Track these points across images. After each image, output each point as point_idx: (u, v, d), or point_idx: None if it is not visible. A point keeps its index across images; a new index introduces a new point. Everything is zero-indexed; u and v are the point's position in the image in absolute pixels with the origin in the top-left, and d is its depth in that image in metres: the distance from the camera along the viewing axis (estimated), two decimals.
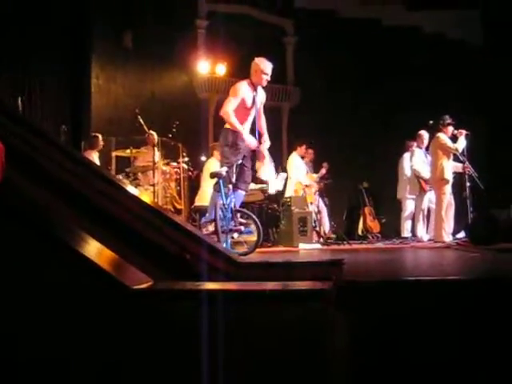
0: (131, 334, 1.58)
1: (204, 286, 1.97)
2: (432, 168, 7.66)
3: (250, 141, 5.49)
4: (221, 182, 5.33)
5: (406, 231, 9.32)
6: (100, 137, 8.31)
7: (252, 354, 1.62)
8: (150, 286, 1.69)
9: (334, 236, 9.77)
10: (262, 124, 5.77)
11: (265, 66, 5.55)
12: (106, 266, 1.61)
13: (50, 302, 1.63)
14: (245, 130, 5.54)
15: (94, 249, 1.77)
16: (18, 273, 1.65)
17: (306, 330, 1.64)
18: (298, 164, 9.43)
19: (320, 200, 9.65)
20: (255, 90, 5.58)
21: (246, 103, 5.52)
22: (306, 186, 9.24)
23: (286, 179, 8.61)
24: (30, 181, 2.32)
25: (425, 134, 8.46)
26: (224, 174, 5.32)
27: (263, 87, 5.72)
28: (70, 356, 1.58)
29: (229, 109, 5.45)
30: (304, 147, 9.60)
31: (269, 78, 5.62)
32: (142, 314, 1.58)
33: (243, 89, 5.52)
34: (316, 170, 9.91)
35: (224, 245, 5.04)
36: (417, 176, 8.66)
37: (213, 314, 1.59)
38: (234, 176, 5.47)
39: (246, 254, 5.20)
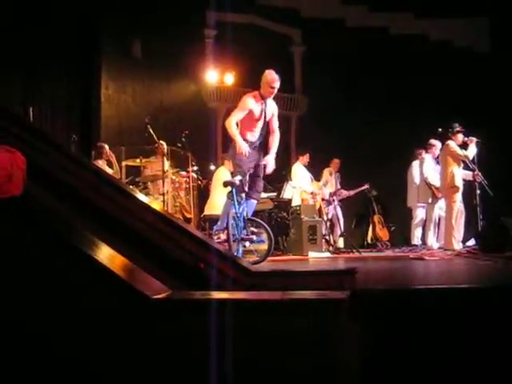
0: (150, 344, 1.60)
1: (219, 295, 1.98)
2: (442, 176, 7.60)
3: (243, 148, 5.40)
4: (234, 190, 5.37)
5: (416, 239, 9.27)
6: (106, 146, 8.31)
7: (263, 363, 1.63)
8: (169, 296, 1.71)
9: (342, 244, 9.76)
10: (273, 141, 5.76)
11: (272, 80, 5.58)
12: (126, 276, 1.63)
13: (70, 310, 1.65)
14: (252, 136, 5.60)
15: (114, 259, 1.79)
16: (40, 281, 1.68)
17: (318, 340, 1.64)
18: (301, 173, 9.44)
19: (332, 208, 9.65)
20: (264, 101, 5.62)
21: (254, 114, 5.58)
22: (312, 193, 9.24)
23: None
24: (46, 191, 2.36)
25: (437, 144, 8.29)
26: (238, 182, 5.36)
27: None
28: (90, 358, 1.61)
29: (231, 119, 5.53)
30: (307, 156, 9.61)
31: (275, 92, 5.65)
32: (161, 323, 1.59)
33: (251, 102, 5.57)
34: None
35: (236, 253, 5.05)
36: (428, 183, 8.58)
37: (227, 324, 1.61)
38: (247, 185, 5.50)
39: (257, 262, 5.21)
